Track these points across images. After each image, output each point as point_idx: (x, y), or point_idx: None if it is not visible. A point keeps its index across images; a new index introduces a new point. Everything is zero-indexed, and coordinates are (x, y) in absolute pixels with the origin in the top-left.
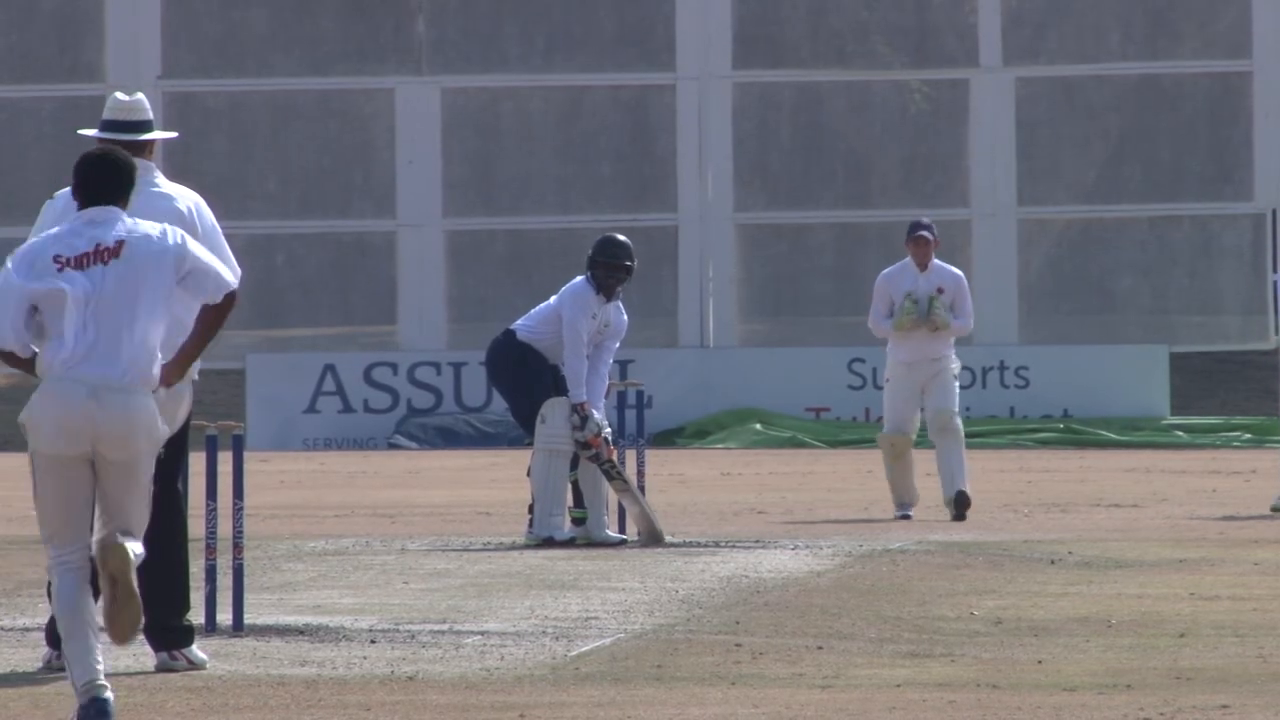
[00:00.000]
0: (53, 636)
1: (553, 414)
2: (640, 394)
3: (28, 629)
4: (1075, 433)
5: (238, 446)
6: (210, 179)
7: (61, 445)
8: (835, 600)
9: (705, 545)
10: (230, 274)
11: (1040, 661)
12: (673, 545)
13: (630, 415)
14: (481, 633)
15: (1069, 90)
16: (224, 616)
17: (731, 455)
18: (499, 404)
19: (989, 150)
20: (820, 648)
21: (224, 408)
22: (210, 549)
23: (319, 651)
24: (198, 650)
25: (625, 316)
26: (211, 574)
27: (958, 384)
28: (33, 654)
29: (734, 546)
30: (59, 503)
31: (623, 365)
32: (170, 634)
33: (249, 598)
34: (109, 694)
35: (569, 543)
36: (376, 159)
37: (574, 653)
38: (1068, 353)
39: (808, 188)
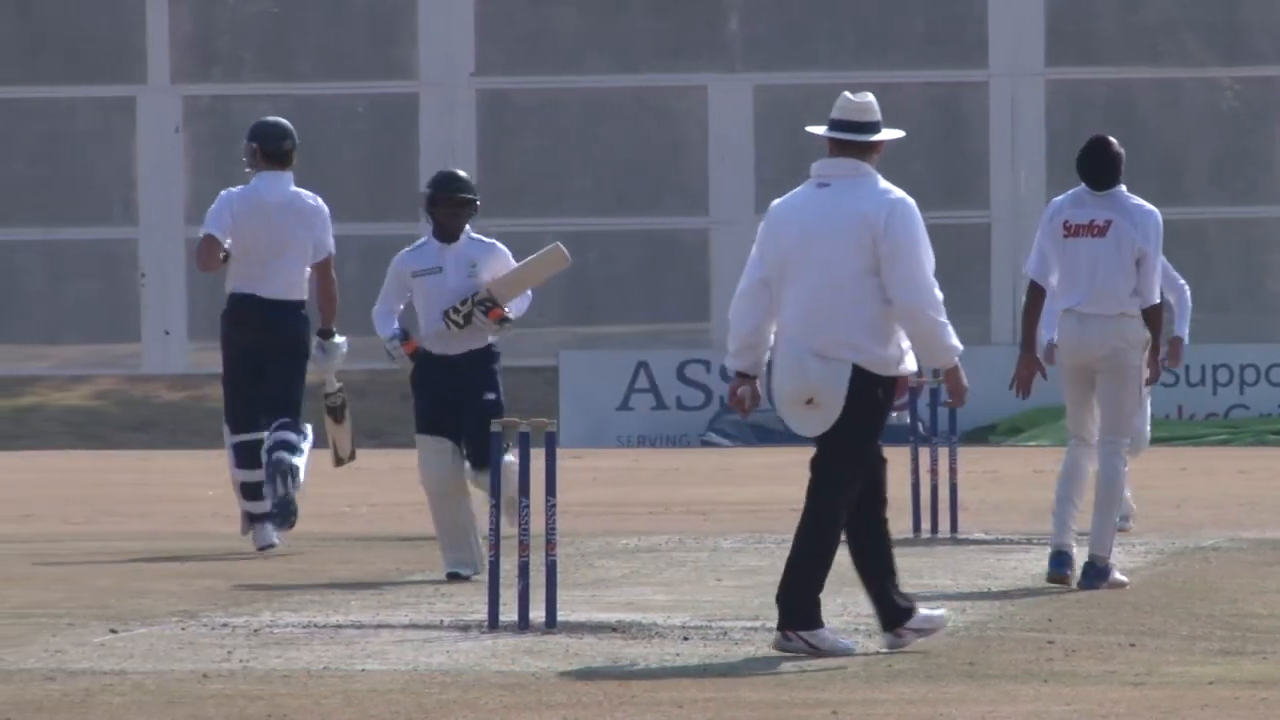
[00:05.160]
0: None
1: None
2: None
3: (340, 626)
4: None
5: (550, 443)
6: (522, 176)
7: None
8: (1147, 597)
9: (1018, 542)
10: None
11: None
12: (983, 541)
13: (943, 412)
14: None
15: None
16: (537, 613)
17: (1044, 452)
18: None
19: None
20: (1132, 645)
21: (537, 405)
22: (524, 546)
23: (631, 648)
24: (926, 616)
25: (499, 250)
26: (525, 571)
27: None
28: (345, 651)
29: (1047, 544)
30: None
31: None
32: (894, 613)
33: (562, 594)
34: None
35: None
36: (689, 156)
37: (886, 650)
38: None
39: None
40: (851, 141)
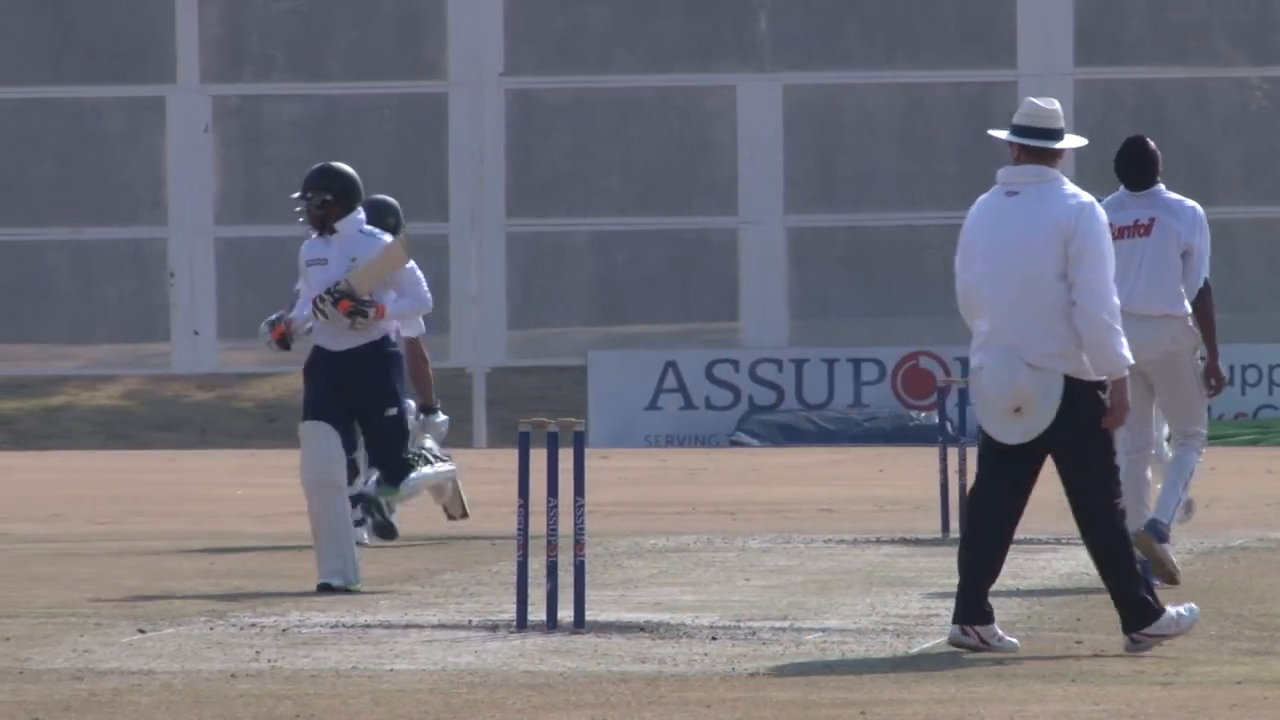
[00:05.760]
0: None
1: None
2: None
3: (368, 626)
4: None
5: (579, 443)
6: (551, 176)
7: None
8: (1175, 597)
9: (1046, 542)
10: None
11: None
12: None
13: (971, 412)
14: (822, 630)
15: None
16: (565, 613)
17: None
18: (841, 400)
19: None
20: (1160, 644)
21: (566, 404)
22: (551, 546)
23: (660, 648)
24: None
25: (379, 242)
26: (553, 571)
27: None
28: (374, 651)
29: (1074, 543)
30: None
31: (965, 362)
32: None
33: (590, 594)
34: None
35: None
36: (718, 156)
37: (915, 650)
38: None
39: None
40: (1039, 148)
